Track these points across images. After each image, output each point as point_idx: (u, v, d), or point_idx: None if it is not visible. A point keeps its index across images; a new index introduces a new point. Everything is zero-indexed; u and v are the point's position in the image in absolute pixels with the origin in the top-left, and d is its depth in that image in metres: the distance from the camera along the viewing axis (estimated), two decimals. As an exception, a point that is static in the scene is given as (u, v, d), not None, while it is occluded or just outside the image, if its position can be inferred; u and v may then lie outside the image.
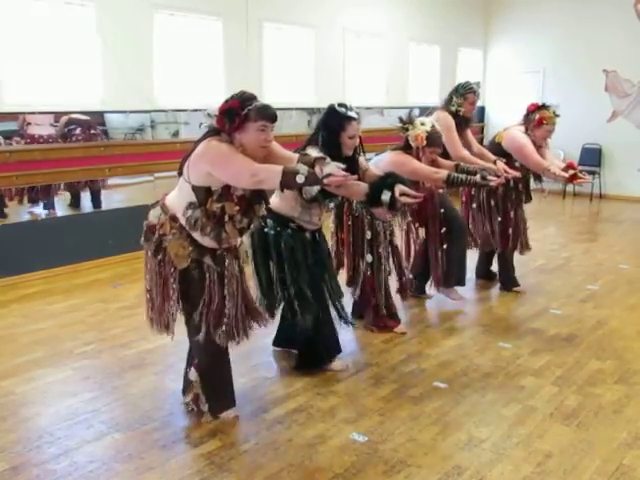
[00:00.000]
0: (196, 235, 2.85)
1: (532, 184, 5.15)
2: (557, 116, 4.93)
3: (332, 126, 3.41)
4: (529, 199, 5.15)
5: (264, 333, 4.23)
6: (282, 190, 2.71)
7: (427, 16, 9.94)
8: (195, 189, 2.77)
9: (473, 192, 5.02)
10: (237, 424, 3.07)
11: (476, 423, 3.08)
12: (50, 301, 5.03)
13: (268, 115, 2.75)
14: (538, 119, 4.83)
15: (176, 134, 6.58)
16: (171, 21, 6.52)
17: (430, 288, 4.94)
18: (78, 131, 5.84)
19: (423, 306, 4.90)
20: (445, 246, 4.67)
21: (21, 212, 5.67)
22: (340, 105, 3.42)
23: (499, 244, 5.06)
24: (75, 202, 6.05)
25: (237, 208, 2.80)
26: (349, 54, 8.50)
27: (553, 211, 9.40)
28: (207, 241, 2.86)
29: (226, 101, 2.76)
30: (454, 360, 3.83)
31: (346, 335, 4.28)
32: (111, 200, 6.24)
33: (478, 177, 4.07)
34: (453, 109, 4.66)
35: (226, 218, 2.79)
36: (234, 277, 2.96)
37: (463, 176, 4.05)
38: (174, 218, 2.85)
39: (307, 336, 3.56)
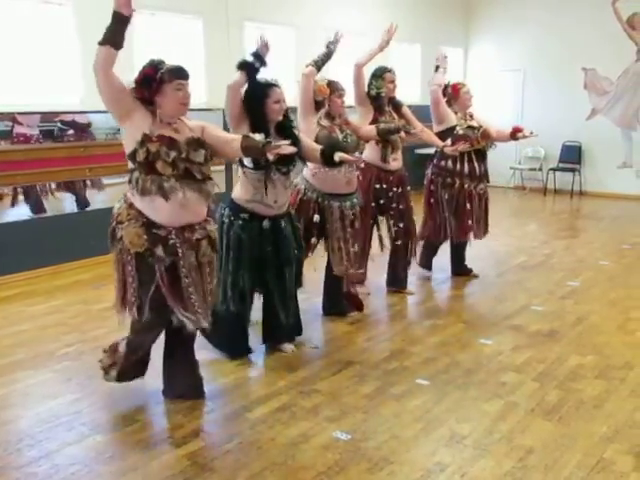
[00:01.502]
0: (150, 209, 2.91)
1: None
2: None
3: (256, 95, 3.54)
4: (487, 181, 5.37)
5: (249, 331, 4.24)
6: (243, 151, 2.94)
7: (408, 15, 9.97)
8: (128, 157, 2.92)
9: (432, 187, 5.22)
10: (220, 424, 3.07)
11: (458, 419, 3.10)
12: (31, 303, 4.98)
13: (181, 73, 2.94)
14: (453, 89, 5.18)
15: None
16: (151, 20, 6.48)
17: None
18: (71, 132, 5.82)
19: (405, 304, 4.93)
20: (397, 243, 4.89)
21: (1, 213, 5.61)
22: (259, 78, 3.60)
23: (457, 235, 5.28)
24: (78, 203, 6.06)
25: (158, 144, 2.87)
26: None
27: (534, 208, 9.49)
28: (159, 209, 2.91)
29: (139, 72, 2.93)
30: (436, 357, 3.85)
31: (329, 333, 4.29)
32: (94, 200, 6.19)
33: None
34: (373, 93, 4.73)
35: (152, 157, 2.86)
36: (192, 267, 3.01)
37: (392, 125, 4.34)
38: (131, 205, 2.98)
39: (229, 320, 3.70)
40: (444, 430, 3.00)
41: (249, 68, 3.50)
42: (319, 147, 3.67)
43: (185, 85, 2.94)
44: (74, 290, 5.30)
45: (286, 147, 2.98)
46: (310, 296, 4.98)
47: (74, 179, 5.93)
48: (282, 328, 3.88)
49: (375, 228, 4.94)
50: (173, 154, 2.89)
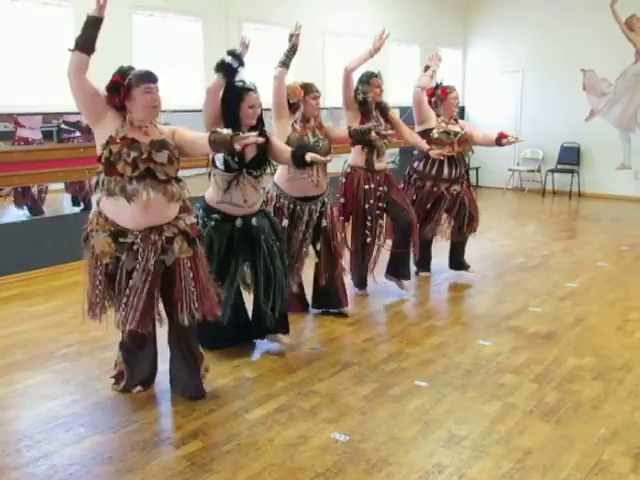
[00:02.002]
0: (116, 211, 3.00)
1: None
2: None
3: (232, 98, 3.57)
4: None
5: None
6: (211, 145, 2.96)
7: (407, 17, 9.99)
8: (98, 159, 3.00)
9: (407, 189, 5.29)
10: (219, 424, 3.07)
11: (456, 421, 3.10)
12: (30, 303, 4.98)
13: (148, 77, 3.00)
14: (442, 91, 5.21)
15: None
16: (150, 21, 6.49)
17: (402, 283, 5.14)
18: (77, 134, 5.83)
19: (404, 305, 4.93)
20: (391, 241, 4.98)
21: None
22: (238, 81, 3.63)
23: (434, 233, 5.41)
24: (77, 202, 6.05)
25: (120, 145, 2.94)
26: (329, 55, 8.51)
27: (532, 209, 9.50)
28: (124, 211, 2.99)
29: (110, 80, 2.99)
30: (435, 358, 3.86)
31: (327, 334, 4.29)
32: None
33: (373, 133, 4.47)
34: (360, 98, 4.76)
35: (112, 158, 2.93)
36: (145, 271, 3.04)
37: (364, 126, 4.36)
38: (100, 213, 3.07)
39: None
40: (442, 431, 3.00)
41: (227, 69, 3.51)
42: (290, 149, 3.66)
43: (153, 88, 3.00)
44: (73, 291, 5.27)
45: (253, 137, 2.99)
46: (308, 297, 4.99)
47: (73, 180, 5.93)
48: (270, 319, 3.82)
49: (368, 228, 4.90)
50: (134, 154, 2.94)
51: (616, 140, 9.97)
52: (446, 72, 10.88)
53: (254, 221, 3.73)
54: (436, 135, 5.14)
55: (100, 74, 3.07)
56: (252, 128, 3.55)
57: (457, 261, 5.62)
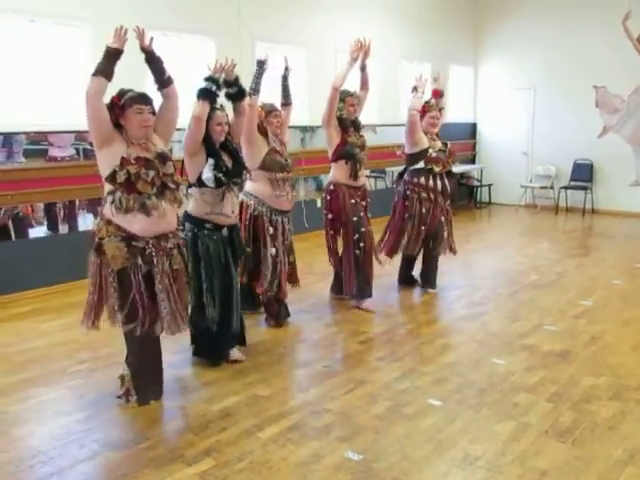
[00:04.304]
0: (128, 222, 3.18)
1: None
2: (441, 109, 5.51)
3: None
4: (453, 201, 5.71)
5: (260, 350, 4.25)
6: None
7: (419, 34, 10.05)
8: (106, 179, 3.18)
9: (407, 203, 5.40)
10: (232, 442, 3.06)
11: (470, 440, 3.07)
12: (43, 319, 5.01)
13: (140, 99, 3.25)
14: (422, 109, 5.35)
15: (170, 152, 6.60)
16: (164, 41, 6.55)
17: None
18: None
19: (416, 323, 4.91)
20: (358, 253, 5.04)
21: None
22: None
23: (433, 248, 5.51)
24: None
25: (137, 166, 3.16)
26: (341, 72, 8.56)
27: (545, 226, 9.45)
28: (139, 222, 3.19)
29: (109, 100, 3.21)
30: (448, 377, 3.83)
31: (340, 353, 4.29)
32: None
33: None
34: (338, 114, 4.96)
35: (133, 178, 3.14)
36: (165, 274, 3.30)
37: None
38: (109, 222, 3.22)
39: (208, 327, 3.88)
40: (456, 451, 2.98)
41: (211, 95, 3.70)
42: None
43: (145, 110, 3.24)
44: (86, 307, 5.31)
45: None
46: (320, 315, 5.00)
47: (90, 197, 5.97)
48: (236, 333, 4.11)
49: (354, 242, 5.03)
50: (152, 173, 3.20)
51: (629, 156, 9.91)
52: (458, 89, 11.00)
53: (235, 231, 4.01)
54: (434, 154, 5.30)
55: (113, 92, 3.22)
56: (222, 144, 3.87)
57: (409, 276, 5.77)
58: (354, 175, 4.98)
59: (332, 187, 5.03)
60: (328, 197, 5.06)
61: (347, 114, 4.98)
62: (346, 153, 4.92)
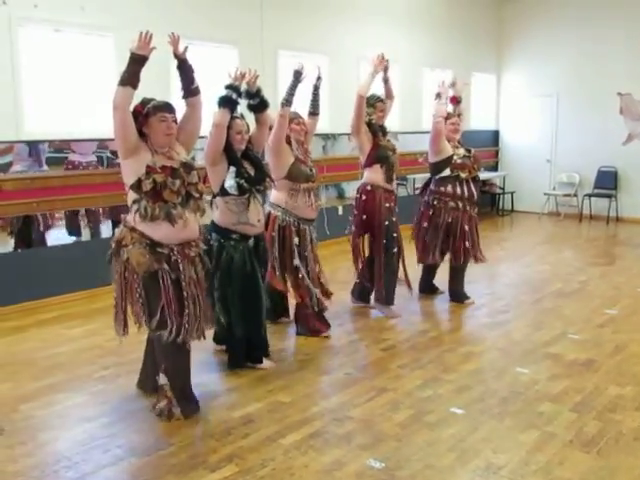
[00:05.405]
0: (152, 229, 3.20)
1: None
2: (459, 114, 5.53)
3: None
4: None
5: (282, 357, 4.26)
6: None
7: (441, 42, 10.04)
8: (132, 187, 3.19)
9: (431, 212, 5.34)
10: (254, 449, 3.07)
11: (494, 449, 3.05)
12: (69, 326, 5.07)
13: (163, 107, 3.26)
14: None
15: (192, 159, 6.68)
16: (188, 50, 6.63)
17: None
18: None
19: (439, 331, 4.89)
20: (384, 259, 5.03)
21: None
22: None
23: (456, 258, 5.39)
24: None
25: (163, 174, 3.18)
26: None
27: (569, 234, 9.36)
28: (163, 230, 3.20)
29: (132, 109, 3.22)
30: (471, 385, 3.81)
31: (361, 360, 4.28)
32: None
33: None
34: (366, 119, 4.96)
35: (159, 187, 3.16)
36: (192, 280, 3.33)
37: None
38: (133, 229, 3.23)
39: (234, 336, 3.95)
40: (480, 460, 2.95)
41: (231, 102, 3.72)
42: None
43: (168, 118, 3.25)
44: (110, 314, 5.34)
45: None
46: (342, 322, 4.99)
47: (112, 205, 6.05)
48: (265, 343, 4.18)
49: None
50: (178, 182, 3.22)
51: (654, 164, 9.81)
52: (480, 96, 10.94)
53: (261, 242, 4.03)
54: (459, 161, 5.28)
55: (136, 101, 3.25)
56: (243, 152, 3.87)
57: (451, 289, 5.63)
58: (389, 178, 5.02)
59: (369, 187, 5.01)
60: (363, 197, 5.03)
61: (376, 119, 4.99)
62: (380, 156, 4.96)
